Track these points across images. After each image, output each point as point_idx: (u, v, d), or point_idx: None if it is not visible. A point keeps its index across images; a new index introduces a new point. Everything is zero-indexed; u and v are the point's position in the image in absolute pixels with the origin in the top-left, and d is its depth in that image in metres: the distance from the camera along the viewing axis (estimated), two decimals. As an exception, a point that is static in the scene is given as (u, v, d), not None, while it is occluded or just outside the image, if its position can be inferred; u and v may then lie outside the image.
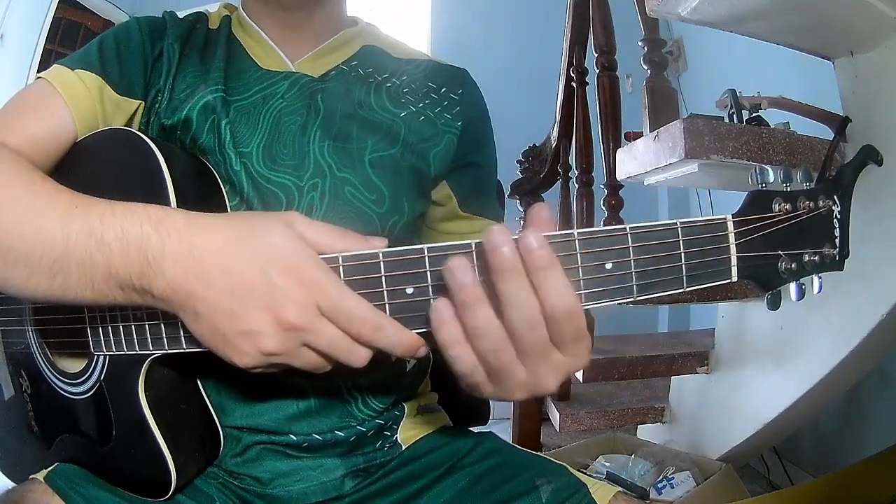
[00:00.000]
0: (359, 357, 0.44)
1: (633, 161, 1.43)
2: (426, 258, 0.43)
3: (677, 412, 1.85)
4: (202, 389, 0.61)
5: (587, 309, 0.42)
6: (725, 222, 0.44)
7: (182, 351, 0.51)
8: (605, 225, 1.58)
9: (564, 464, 0.64)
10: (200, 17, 0.71)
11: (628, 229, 0.43)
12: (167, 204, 0.52)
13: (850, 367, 1.31)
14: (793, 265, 0.45)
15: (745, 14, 1.20)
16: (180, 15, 0.71)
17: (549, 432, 1.97)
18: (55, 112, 0.60)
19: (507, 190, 1.68)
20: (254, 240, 0.44)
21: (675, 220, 0.44)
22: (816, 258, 0.46)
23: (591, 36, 1.80)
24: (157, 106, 0.65)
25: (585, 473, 0.64)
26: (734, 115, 1.39)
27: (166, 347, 0.51)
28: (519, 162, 2.16)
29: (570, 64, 1.94)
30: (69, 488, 0.56)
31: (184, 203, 0.52)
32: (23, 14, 2.41)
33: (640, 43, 1.61)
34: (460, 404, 0.89)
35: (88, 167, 0.60)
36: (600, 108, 1.71)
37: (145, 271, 0.43)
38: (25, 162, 0.53)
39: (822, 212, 0.46)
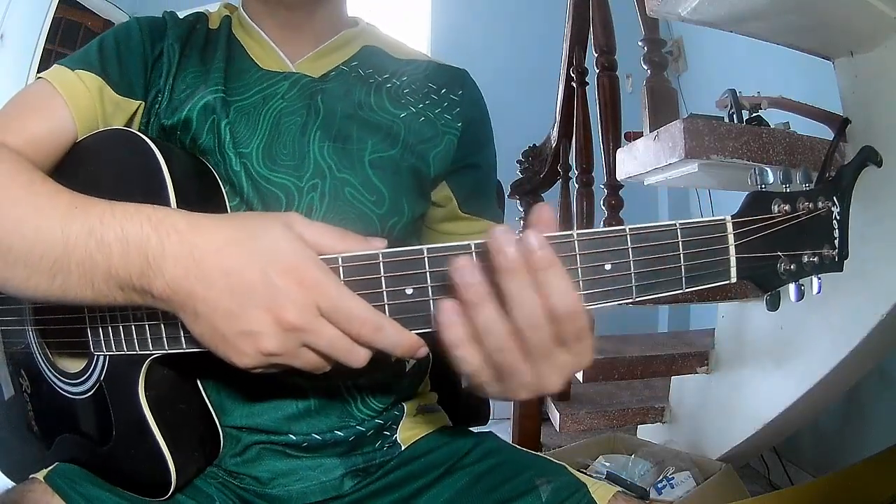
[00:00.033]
0: (358, 357, 0.44)
1: (633, 161, 1.43)
2: (425, 259, 0.44)
3: (677, 412, 1.85)
4: (202, 389, 0.61)
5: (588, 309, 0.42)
6: (725, 223, 0.45)
7: (182, 351, 0.51)
8: (605, 225, 1.58)
9: (564, 464, 0.64)
10: (200, 18, 0.71)
11: (627, 230, 0.43)
12: (167, 204, 0.52)
13: (850, 367, 1.31)
14: (792, 266, 0.45)
15: (745, 14, 1.20)
16: (180, 15, 0.71)
17: (549, 432, 1.97)
18: (55, 112, 0.60)
19: (507, 190, 1.68)
20: (254, 240, 0.44)
21: (674, 222, 0.44)
22: (816, 259, 0.46)
23: (591, 36, 1.80)
24: (157, 106, 0.65)
25: (585, 473, 0.64)
26: (734, 115, 1.39)
27: (166, 347, 0.51)
28: (519, 162, 2.16)
29: (570, 64, 1.94)
30: (69, 488, 0.56)
31: (184, 203, 0.52)
32: (23, 14, 2.41)
33: (640, 43, 1.61)
34: (460, 404, 0.89)
35: (88, 167, 0.60)
36: (600, 108, 1.71)
37: (145, 272, 0.43)
38: (25, 162, 0.53)
39: (822, 213, 0.46)
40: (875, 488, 1.21)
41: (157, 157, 0.54)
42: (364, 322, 0.42)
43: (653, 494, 1.50)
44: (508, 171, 1.88)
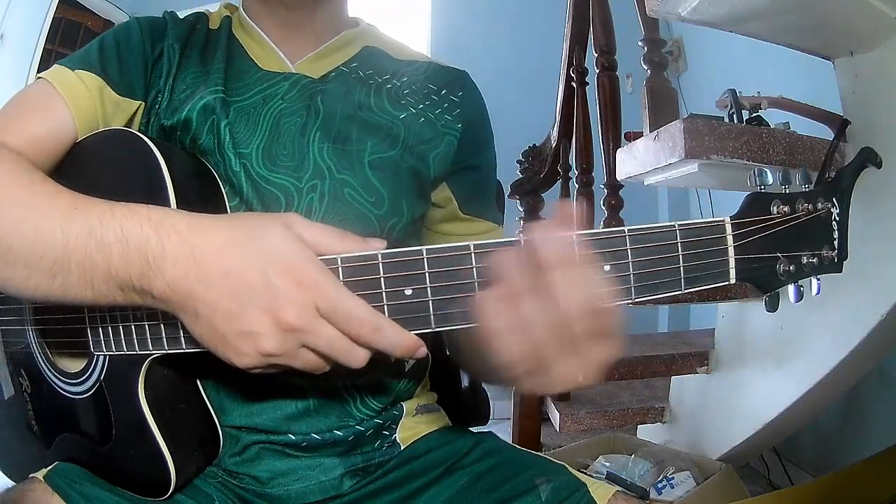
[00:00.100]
0: (357, 358, 0.44)
1: (633, 161, 1.43)
2: (425, 259, 0.44)
3: (677, 412, 1.85)
4: (201, 389, 0.61)
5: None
6: (724, 225, 0.45)
7: (181, 351, 0.51)
8: (605, 225, 1.58)
9: (564, 463, 0.64)
10: (201, 18, 0.71)
11: (626, 231, 0.43)
12: (167, 205, 0.52)
13: (850, 367, 1.31)
14: (791, 267, 0.45)
15: (745, 14, 1.20)
16: (181, 15, 0.71)
17: (549, 432, 1.97)
18: (55, 112, 0.60)
19: (507, 190, 1.67)
20: (253, 241, 0.44)
21: (673, 223, 0.44)
22: (815, 260, 0.46)
23: (591, 36, 1.80)
24: (157, 107, 0.65)
25: (585, 473, 0.64)
26: (734, 115, 1.39)
27: (166, 347, 0.51)
28: (519, 162, 2.16)
29: (570, 64, 1.93)
30: (69, 487, 0.56)
31: (184, 204, 0.52)
32: (23, 14, 2.41)
33: (640, 43, 1.61)
34: (460, 404, 0.89)
35: (88, 168, 0.60)
36: (600, 108, 1.71)
37: (145, 272, 0.44)
38: (26, 162, 0.53)
39: (821, 214, 0.46)
40: (875, 488, 1.21)
41: (156, 158, 0.54)
42: (363, 322, 0.43)
43: (653, 494, 1.50)
44: (508, 171, 1.88)
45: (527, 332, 0.40)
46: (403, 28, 3.23)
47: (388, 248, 0.45)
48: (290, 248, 0.43)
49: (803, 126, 1.42)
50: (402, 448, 0.68)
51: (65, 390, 0.62)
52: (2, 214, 0.47)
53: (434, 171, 0.68)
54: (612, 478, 1.53)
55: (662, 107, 1.52)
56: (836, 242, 0.46)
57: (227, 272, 0.43)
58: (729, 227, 0.45)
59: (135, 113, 0.65)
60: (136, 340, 0.53)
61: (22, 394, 0.69)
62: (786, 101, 1.50)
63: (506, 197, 1.09)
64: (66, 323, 0.59)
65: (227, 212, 0.61)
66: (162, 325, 0.51)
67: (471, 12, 3.18)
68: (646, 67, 1.60)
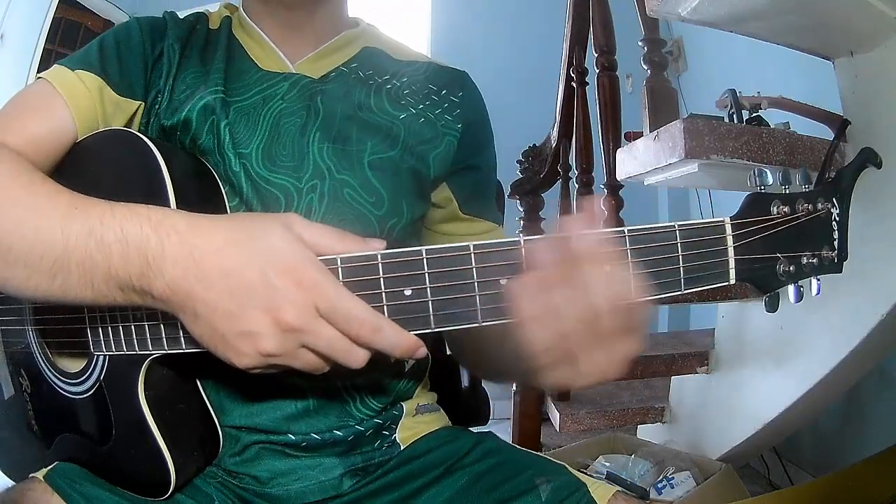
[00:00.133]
0: (357, 358, 0.44)
1: (633, 161, 1.43)
2: (424, 260, 0.44)
3: (677, 412, 1.85)
4: (201, 389, 0.61)
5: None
6: (723, 225, 0.45)
7: (181, 351, 0.51)
8: (604, 226, 1.57)
9: (564, 463, 0.64)
10: (201, 18, 0.71)
11: (626, 232, 0.43)
12: (167, 205, 0.52)
13: (850, 367, 1.31)
14: (791, 268, 0.45)
15: (745, 14, 1.20)
16: (181, 15, 0.71)
17: (549, 432, 1.97)
18: (55, 112, 0.60)
19: (507, 190, 1.67)
20: (253, 241, 0.44)
21: (673, 223, 0.44)
22: (815, 261, 0.46)
23: (591, 36, 1.80)
24: (156, 107, 0.65)
25: (585, 473, 0.64)
26: (734, 115, 1.39)
27: (166, 348, 0.51)
28: (519, 162, 2.16)
29: (570, 64, 1.93)
30: (69, 487, 0.56)
31: (183, 204, 0.52)
32: (23, 14, 2.41)
33: (640, 43, 1.61)
34: (460, 404, 0.89)
35: (88, 168, 0.60)
36: (600, 108, 1.71)
37: (145, 272, 0.44)
38: (26, 162, 0.53)
39: (821, 214, 0.46)
40: (875, 488, 1.21)
41: (156, 158, 0.54)
42: (363, 323, 0.43)
43: (653, 494, 1.50)
44: (508, 171, 1.88)
45: (556, 320, 0.41)
46: (403, 28, 3.23)
47: (387, 249, 0.45)
48: (290, 249, 0.43)
49: (803, 126, 1.42)
50: (402, 448, 0.68)
51: (65, 390, 0.62)
52: (2, 214, 0.47)
53: (434, 172, 0.68)
54: (612, 478, 1.53)
55: (662, 107, 1.52)
56: (836, 243, 0.46)
57: (227, 272, 0.43)
58: (729, 228, 0.45)
59: (135, 113, 0.65)
60: (135, 340, 0.53)
61: (22, 394, 0.69)
62: (786, 101, 1.50)
63: (506, 197, 1.09)
64: (66, 323, 0.59)
65: (226, 212, 0.61)
66: (162, 326, 0.51)
67: (471, 12, 3.18)
68: (646, 67, 1.60)
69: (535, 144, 2.18)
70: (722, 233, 0.45)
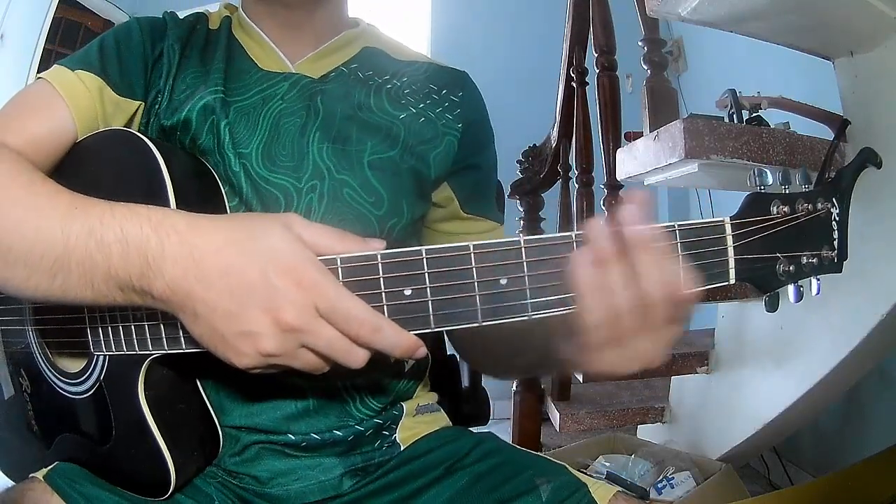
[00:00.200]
0: (357, 358, 0.44)
1: (633, 161, 1.43)
2: (424, 260, 0.44)
3: (677, 412, 1.85)
4: (201, 389, 0.61)
5: None
6: (723, 225, 0.45)
7: (181, 351, 0.51)
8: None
9: (564, 464, 0.64)
10: (201, 18, 0.71)
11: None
12: (167, 205, 0.52)
13: (850, 367, 1.31)
14: (791, 267, 0.45)
15: (745, 14, 1.20)
16: (181, 15, 0.71)
17: (549, 432, 1.97)
18: (55, 112, 0.60)
19: (507, 190, 1.67)
20: (252, 241, 0.44)
21: (672, 223, 0.44)
22: (815, 260, 0.46)
23: (591, 36, 1.80)
24: (156, 107, 0.65)
25: (585, 473, 0.64)
26: (734, 115, 1.39)
27: (166, 348, 0.51)
28: (519, 162, 2.16)
29: (570, 64, 1.93)
30: (69, 487, 0.56)
31: (183, 204, 0.52)
32: (23, 14, 2.41)
33: (640, 43, 1.61)
34: (460, 404, 0.89)
35: (88, 168, 0.60)
36: (600, 108, 1.71)
37: (145, 272, 0.44)
38: (26, 162, 0.53)
39: (821, 214, 0.46)
40: (875, 488, 1.21)
41: (156, 158, 0.54)
42: (362, 323, 0.42)
43: (653, 494, 1.50)
44: (508, 171, 1.88)
45: (610, 297, 0.42)
46: (403, 28, 3.23)
47: (387, 249, 0.45)
48: (290, 249, 0.43)
49: (803, 126, 1.42)
50: (403, 448, 0.68)
51: (65, 390, 0.62)
52: (2, 214, 0.47)
53: (435, 172, 0.68)
54: (612, 478, 1.53)
55: (662, 107, 1.52)
56: (835, 243, 0.46)
57: (227, 272, 0.43)
58: (729, 227, 0.45)
59: (135, 113, 0.65)
60: (135, 340, 0.53)
61: (22, 394, 0.69)
62: (786, 101, 1.50)
63: (506, 197, 1.09)
64: (66, 323, 0.59)
65: (226, 212, 0.61)
66: (162, 325, 0.51)
67: (471, 12, 3.19)
68: (646, 67, 1.60)
69: (535, 144, 2.18)
70: (722, 232, 0.45)
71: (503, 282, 0.44)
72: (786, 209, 0.45)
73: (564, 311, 0.44)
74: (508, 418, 1.93)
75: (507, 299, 0.44)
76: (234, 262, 0.43)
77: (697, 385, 1.76)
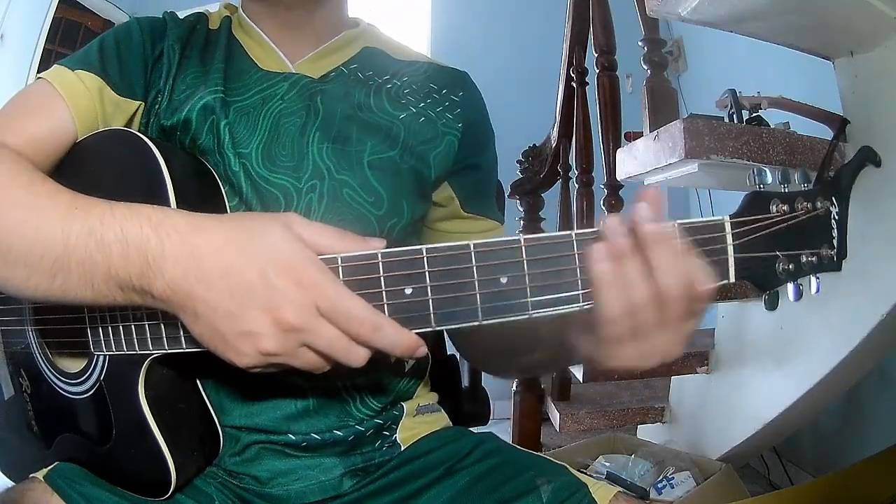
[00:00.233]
0: (357, 357, 0.44)
1: (633, 161, 1.43)
2: (424, 259, 0.44)
3: (677, 412, 1.85)
4: (201, 389, 0.61)
5: None
6: (723, 223, 0.45)
7: (181, 351, 0.51)
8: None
9: (565, 464, 0.64)
10: (201, 18, 0.71)
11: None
12: (167, 204, 0.52)
13: (850, 367, 1.31)
14: (790, 266, 0.45)
15: (745, 14, 1.20)
16: (181, 15, 0.71)
17: (549, 432, 1.97)
18: (55, 112, 0.60)
19: (507, 190, 1.67)
20: (252, 241, 0.44)
21: (672, 222, 0.44)
22: (814, 259, 0.46)
23: (591, 36, 1.80)
24: (156, 107, 0.65)
25: (585, 473, 0.64)
26: (734, 115, 1.39)
27: (166, 347, 0.51)
28: (519, 162, 2.16)
29: (570, 64, 1.93)
30: (69, 487, 0.56)
31: (183, 203, 0.52)
32: (23, 14, 2.41)
33: (640, 43, 1.61)
34: (460, 404, 0.89)
35: (88, 168, 0.60)
36: (600, 108, 1.71)
37: (145, 272, 0.44)
38: (26, 162, 0.53)
39: (820, 213, 0.46)
40: (875, 488, 1.21)
41: (156, 158, 0.54)
42: (363, 322, 0.42)
43: (653, 494, 1.50)
44: (508, 171, 1.88)
45: (627, 289, 0.42)
46: (403, 28, 3.23)
47: (387, 248, 0.45)
48: (290, 248, 0.43)
49: (803, 126, 1.42)
50: (403, 448, 0.68)
51: (65, 390, 0.62)
52: (2, 214, 0.47)
53: (435, 171, 0.68)
54: (612, 478, 1.53)
55: (662, 107, 1.52)
56: (835, 241, 0.46)
57: (227, 272, 0.43)
58: (728, 226, 0.45)
59: (134, 113, 0.65)
60: (136, 340, 0.53)
61: (22, 394, 0.69)
62: (786, 101, 1.50)
63: (506, 197, 1.09)
64: (66, 323, 0.59)
65: (226, 212, 0.61)
66: (162, 325, 0.51)
67: (471, 12, 3.18)
68: (646, 67, 1.60)
69: (535, 144, 2.18)
70: (721, 231, 0.45)
71: (503, 280, 0.44)
72: (785, 208, 0.45)
73: (564, 310, 0.44)
74: (508, 418, 1.93)
75: (507, 298, 0.44)
76: (233, 262, 0.43)
77: (697, 385, 1.76)
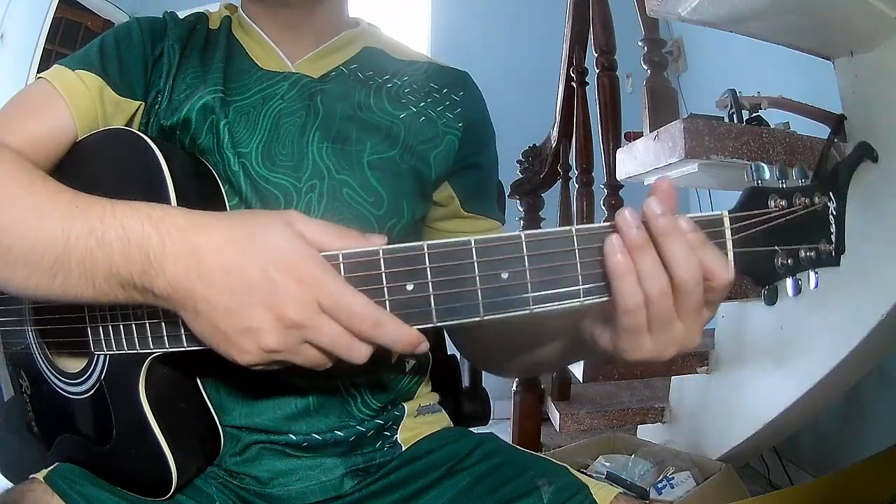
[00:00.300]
0: (359, 353, 0.44)
1: (633, 161, 1.43)
2: (426, 255, 0.44)
3: (677, 412, 1.85)
4: (202, 388, 0.61)
5: None
6: (722, 218, 0.45)
7: (182, 349, 0.51)
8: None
9: (565, 465, 0.64)
10: (201, 18, 0.71)
11: None
12: (168, 203, 0.52)
13: (850, 367, 1.31)
14: (789, 261, 0.46)
15: (745, 14, 1.20)
16: (181, 15, 0.71)
17: (549, 432, 1.97)
18: (56, 112, 0.60)
19: (507, 190, 1.67)
20: (253, 239, 0.44)
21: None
22: (812, 254, 0.46)
23: (591, 36, 1.80)
24: (156, 107, 0.65)
25: (585, 473, 0.64)
26: (734, 115, 1.40)
27: (167, 346, 0.51)
28: (519, 162, 2.16)
29: (570, 64, 1.93)
30: (69, 488, 0.56)
31: (184, 202, 0.52)
32: (23, 14, 2.42)
33: (640, 43, 1.62)
34: (461, 404, 0.89)
35: (89, 167, 0.60)
36: (600, 108, 1.71)
37: (146, 270, 0.44)
38: (26, 162, 0.53)
39: (818, 208, 0.46)
40: (875, 488, 1.21)
41: (157, 157, 0.54)
42: (364, 318, 0.42)
43: (653, 494, 1.50)
44: (508, 171, 1.88)
45: (643, 281, 0.42)
46: (403, 28, 3.23)
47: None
48: (291, 246, 0.43)
49: (803, 126, 1.43)
50: (404, 449, 0.68)
51: (65, 391, 0.62)
52: (2, 214, 0.47)
53: (435, 171, 0.68)
54: (612, 478, 1.53)
55: (662, 107, 1.52)
56: (833, 236, 0.46)
57: (228, 270, 0.43)
58: (727, 221, 0.45)
59: (135, 113, 0.65)
60: (136, 339, 0.53)
61: (22, 395, 0.68)
62: (786, 101, 1.50)
63: (506, 197, 1.09)
64: (66, 323, 0.59)
65: (226, 211, 0.61)
66: (163, 323, 0.51)
67: (471, 12, 3.19)
68: (646, 67, 1.60)
69: (535, 144, 2.18)
70: (720, 226, 0.45)
71: (504, 276, 0.44)
72: (783, 203, 0.45)
73: (565, 305, 0.44)
74: (508, 418, 1.93)
75: (508, 293, 0.44)
76: (234, 260, 0.43)
77: (697, 385, 1.76)
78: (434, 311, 0.44)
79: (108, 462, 0.58)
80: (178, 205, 0.52)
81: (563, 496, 0.60)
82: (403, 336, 0.43)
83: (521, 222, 2.13)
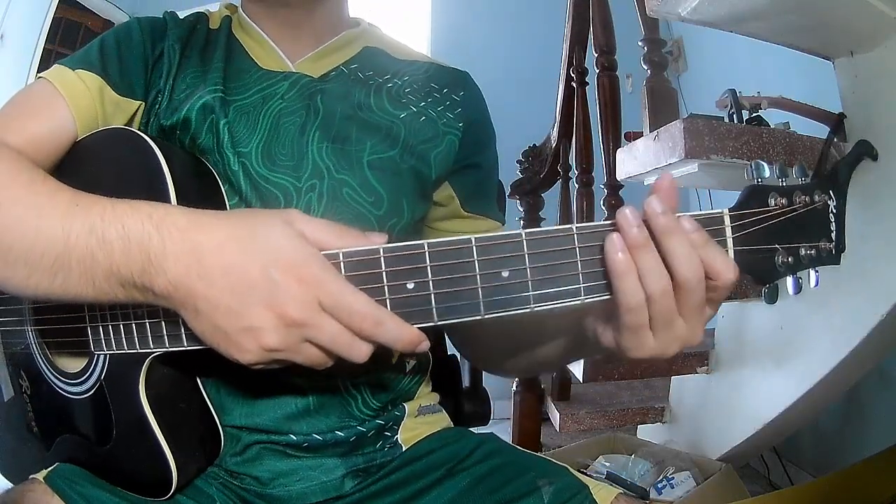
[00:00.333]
0: (360, 352, 0.44)
1: (633, 161, 1.43)
2: (426, 253, 0.44)
3: (677, 412, 1.85)
4: (202, 388, 0.61)
5: None
6: (722, 216, 0.45)
7: (183, 349, 0.51)
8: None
9: (566, 465, 0.64)
10: (201, 18, 0.71)
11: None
12: (168, 203, 0.52)
13: (850, 367, 1.31)
14: (789, 259, 0.46)
15: (745, 14, 1.20)
16: (181, 15, 0.71)
17: (549, 432, 1.97)
18: (56, 112, 0.60)
19: (507, 190, 1.67)
20: (254, 238, 0.44)
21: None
22: (813, 252, 0.46)
23: (591, 36, 1.80)
24: (157, 107, 0.65)
25: (585, 473, 0.64)
26: (734, 115, 1.40)
27: (167, 345, 0.51)
28: (519, 162, 2.16)
29: (570, 64, 1.93)
30: (69, 488, 0.56)
31: (184, 202, 0.52)
32: (23, 14, 2.42)
33: (640, 43, 1.62)
34: (461, 404, 0.89)
35: (89, 166, 0.60)
36: (600, 108, 1.71)
37: (147, 269, 0.43)
38: (26, 161, 0.53)
39: (818, 206, 0.46)
40: (875, 488, 1.21)
41: (157, 156, 0.54)
42: (365, 316, 0.42)
43: (653, 494, 1.50)
44: (508, 171, 1.88)
45: (645, 278, 0.43)
46: (403, 28, 3.23)
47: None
48: (291, 244, 0.43)
49: (803, 126, 1.43)
50: (404, 449, 0.68)
51: (65, 391, 0.62)
52: (2, 213, 0.47)
53: (436, 171, 0.68)
54: (612, 478, 1.53)
55: (662, 107, 1.52)
56: (833, 235, 0.46)
57: (229, 269, 0.43)
58: (727, 219, 0.45)
59: (135, 113, 0.65)
60: (136, 338, 0.53)
61: (22, 395, 0.68)
62: (786, 101, 1.50)
63: (506, 197, 1.09)
64: (66, 322, 0.59)
65: (226, 210, 0.61)
66: (163, 323, 0.51)
67: (471, 12, 3.19)
68: (646, 67, 1.61)
69: (535, 144, 2.18)
70: (721, 224, 0.45)
71: (505, 274, 0.44)
72: (783, 201, 0.45)
73: (566, 303, 0.44)
74: (508, 418, 1.93)
75: (509, 292, 0.44)
76: (235, 259, 0.43)
77: (697, 385, 1.76)
78: (435, 309, 0.44)
79: (109, 462, 0.58)
80: (178, 204, 0.52)
81: (563, 496, 0.60)
82: (404, 335, 0.43)
83: (521, 222, 2.13)
